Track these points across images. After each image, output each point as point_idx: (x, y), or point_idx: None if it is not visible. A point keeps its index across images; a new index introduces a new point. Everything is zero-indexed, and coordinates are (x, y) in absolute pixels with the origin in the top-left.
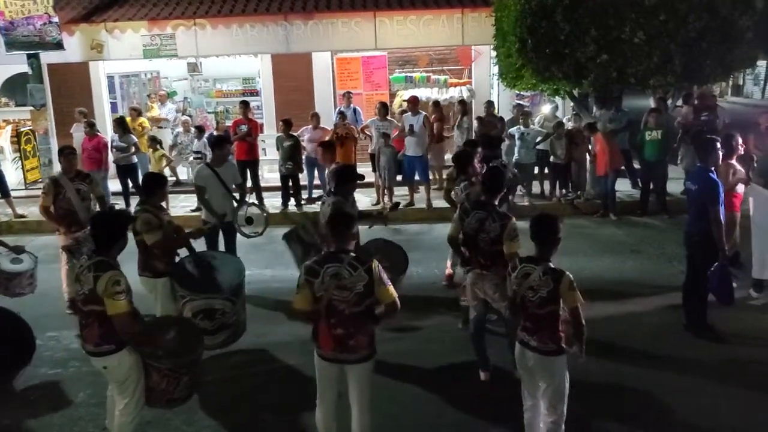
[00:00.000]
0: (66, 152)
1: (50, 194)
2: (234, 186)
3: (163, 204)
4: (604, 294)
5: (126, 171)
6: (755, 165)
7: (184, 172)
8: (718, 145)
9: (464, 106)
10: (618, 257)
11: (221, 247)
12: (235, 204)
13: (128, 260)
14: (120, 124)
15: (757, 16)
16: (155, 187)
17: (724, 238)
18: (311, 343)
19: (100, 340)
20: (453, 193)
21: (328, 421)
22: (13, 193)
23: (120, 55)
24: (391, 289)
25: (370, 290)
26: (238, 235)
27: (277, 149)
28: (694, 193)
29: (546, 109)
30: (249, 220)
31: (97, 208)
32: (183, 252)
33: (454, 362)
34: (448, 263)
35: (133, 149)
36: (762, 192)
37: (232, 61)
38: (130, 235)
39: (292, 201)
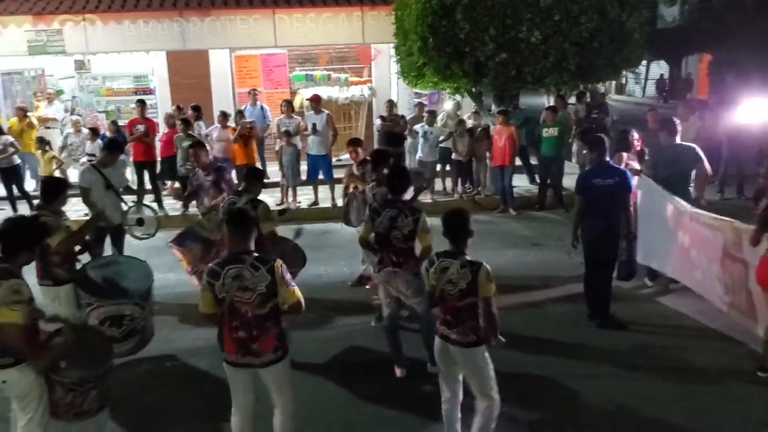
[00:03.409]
0: None
1: None
2: (121, 189)
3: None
4: (508, 286)
5: (8, 174)
6: (646, 158)
7: (75, 175)
8: (606, 139)
9: None
10: (520, 250)
11: (108, 250)
12: (124, 207)
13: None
14: None
15: (643, 19)
16: (56, 192)
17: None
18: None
19: None
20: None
21: (244, 428)
22: None
23: (1, 52)
24: (296, 289)
25: (273, 291)
26: (131, 238)
27: (176, 149)
28: (613, 186)
29: (448, 106)
30: (140, 222)
31: None
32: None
33: (370, 359)
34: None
35: (11, 150)
36: (650, 183)
37: (123, 58)
38: None
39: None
